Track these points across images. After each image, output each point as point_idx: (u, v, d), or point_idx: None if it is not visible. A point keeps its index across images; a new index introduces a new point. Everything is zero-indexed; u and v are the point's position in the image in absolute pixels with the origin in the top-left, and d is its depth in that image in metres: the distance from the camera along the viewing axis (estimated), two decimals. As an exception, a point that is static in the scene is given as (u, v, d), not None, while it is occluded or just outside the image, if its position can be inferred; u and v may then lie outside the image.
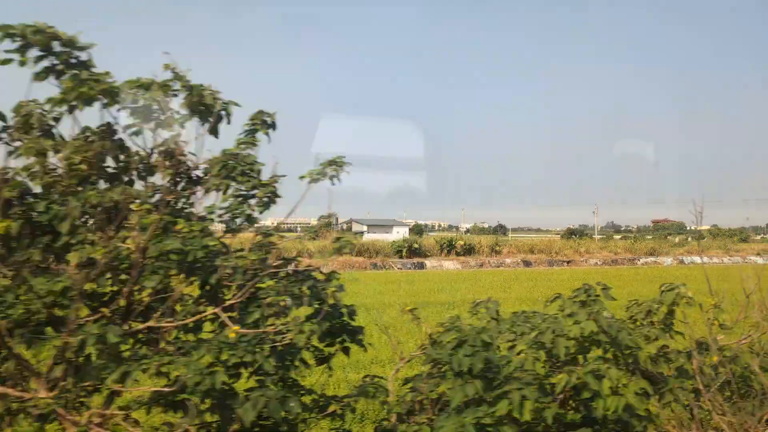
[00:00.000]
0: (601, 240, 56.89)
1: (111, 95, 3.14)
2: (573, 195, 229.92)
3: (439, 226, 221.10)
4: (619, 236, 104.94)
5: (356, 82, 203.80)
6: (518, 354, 3.49)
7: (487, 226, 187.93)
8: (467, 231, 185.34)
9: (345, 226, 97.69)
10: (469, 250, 33.76)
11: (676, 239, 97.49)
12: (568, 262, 36.19)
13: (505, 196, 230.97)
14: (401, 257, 29.02)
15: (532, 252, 36.51)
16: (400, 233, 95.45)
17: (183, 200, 3.48)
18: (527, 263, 33.70)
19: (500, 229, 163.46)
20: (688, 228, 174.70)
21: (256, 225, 3.49)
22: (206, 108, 3.34)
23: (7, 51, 2.94)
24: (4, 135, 3.10)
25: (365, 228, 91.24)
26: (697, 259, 43.94)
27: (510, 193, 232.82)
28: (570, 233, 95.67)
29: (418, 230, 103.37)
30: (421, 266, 28.53)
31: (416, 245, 30.08)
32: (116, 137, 3.35)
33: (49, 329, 2.88)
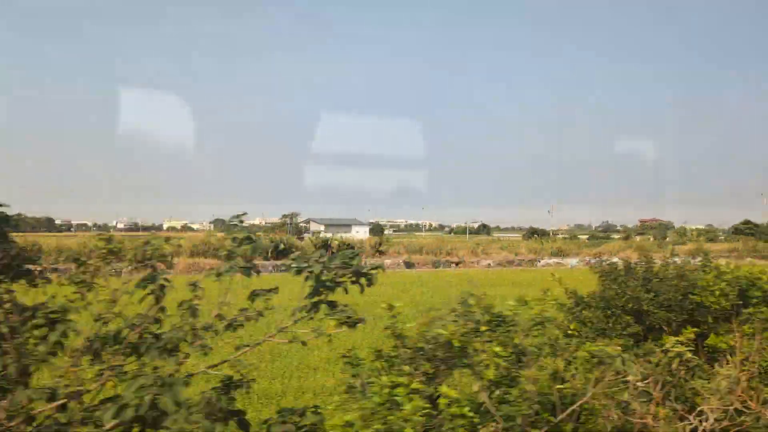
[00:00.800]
0: (525, 240, 57.71)
1: None
2: (572, 195, 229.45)
3: (430, 225, 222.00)
4: (600, 236, 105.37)
5: (351, 80, 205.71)
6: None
7: (475, 225, 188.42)
8: (450, 231, 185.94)
9: (303, 226, 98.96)
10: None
11: (636, 239, 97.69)
12: (457, 263, 37.28)
13: (499, 196, 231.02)
14: (266, 259, 30.07)
15: (420, 252, 37.62)
16: (360, 233, 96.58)
17: None
18: (409, 264, 34.85)
19: (483, 229, 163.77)
20: (676, 227, 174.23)
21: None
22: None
23: None
24: None
25: (322, 227, 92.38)
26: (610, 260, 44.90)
27: (507, 193, 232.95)
28: (532, 232, 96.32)
29: (377, 229, 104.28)
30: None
31: (283, 246, 31.03)
32: None
33: None
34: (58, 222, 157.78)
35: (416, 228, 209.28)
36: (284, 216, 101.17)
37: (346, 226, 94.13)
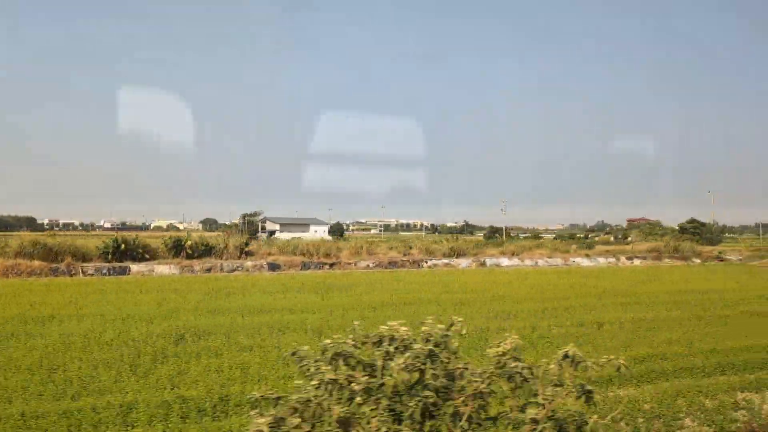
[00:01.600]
0: (485, 240, 56.72)
1: None
2: (570, 193, 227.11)
3: (421, 225, 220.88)
4: (565, 236, 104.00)
5: (349, 79, 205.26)
6: None
7: (458, 225, 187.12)
8: (436, 230, 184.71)
9: (260, 225, 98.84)
10: (207, 251, 34.53)
11: (612, 238, 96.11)
12: (331, 265, 36.85)
13: (495, 195, 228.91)
14: (107, 260, 29.87)
15: (295, 253, 37.23)
16: (318, 232, 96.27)
17: None
18: (274, 266, 34.51)
19: (466, 228, 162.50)
20: (664, 225, 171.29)
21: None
22: None
23: None
24: None
25: (277, 227, 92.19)
26: (504, 261, 44.12)
27: (507, 193, 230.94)
28: (493, 232, 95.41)
29: (337, 230, 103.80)
30: (124, 272, 29.50)
31: (123, 246, 30.61)
32: None
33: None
34: (46, 221, 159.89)
35: (407, 228, 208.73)
36: (246, 215, 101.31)
37: (304, 225, 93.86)
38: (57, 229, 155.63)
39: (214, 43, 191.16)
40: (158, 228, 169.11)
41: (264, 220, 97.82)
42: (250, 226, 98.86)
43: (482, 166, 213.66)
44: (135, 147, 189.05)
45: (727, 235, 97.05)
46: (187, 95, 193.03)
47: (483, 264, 42.30)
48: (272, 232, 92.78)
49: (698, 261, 49.25)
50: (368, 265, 37.88)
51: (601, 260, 46.40)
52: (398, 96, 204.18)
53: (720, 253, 50.89)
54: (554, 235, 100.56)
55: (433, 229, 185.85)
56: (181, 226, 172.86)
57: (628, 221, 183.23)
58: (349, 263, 37.64)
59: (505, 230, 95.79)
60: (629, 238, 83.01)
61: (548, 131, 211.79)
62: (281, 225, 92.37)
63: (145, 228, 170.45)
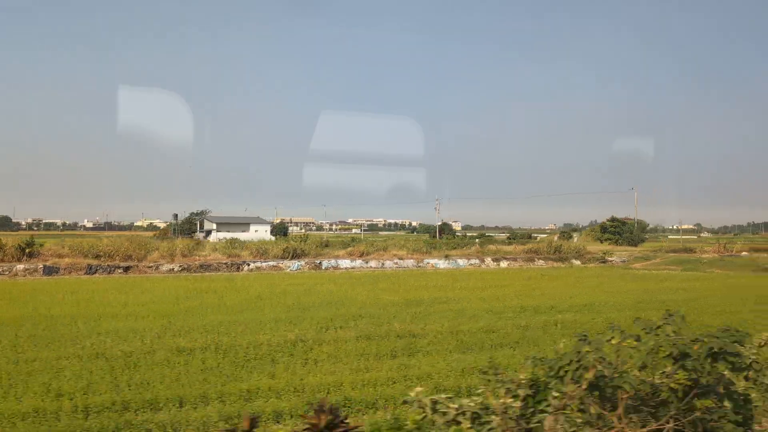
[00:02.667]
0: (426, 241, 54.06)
1: None
2: (566, 193, 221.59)
3: (409, 224, 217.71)
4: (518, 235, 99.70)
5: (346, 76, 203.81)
6: None
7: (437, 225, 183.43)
8: (414, 230, 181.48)
9: (199, 224, 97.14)
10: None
11: (556, 237, 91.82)
12: (126, 269, 34.78)
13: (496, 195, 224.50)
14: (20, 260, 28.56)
15: (88, 255, 35.23)
16: (259, 232, 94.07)
17: None
18: (51, 270, 32.57)
19: (445, 228, 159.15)
20: (648, 226, 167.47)
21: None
22: None
23: None
24: None
25: (214, 226, 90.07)
26: (345, 263, 41.27)
27: (501, 192, 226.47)
28: (425, 230, 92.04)
29: (281, 229, 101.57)
30: None
31: None
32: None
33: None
34: (28, 221, 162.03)
35: (395, 227, 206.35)
36: (193, 214, 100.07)
37: (244, 224, 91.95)
38: (36, 228, 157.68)
39: (214, 43, 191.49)
40: (138, 227, 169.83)
41: (202, 219, 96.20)
42: (189, 226, 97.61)
43: (479, 165, 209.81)
44: (126, 146, 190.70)
45: (662, 234, 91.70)
46: (184, 94, 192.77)
47: (318, 266, 39.72)
48: (209, 232, 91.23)
49: (578, 263, 45.68)
50: (173, 269, 35.71)
51: (462, 262, 43.25)
52: (395, 95, 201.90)
53: (604, 254, 47.08)
54: (508, 235, 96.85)
55: (424, 228, 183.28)
56: (161, 225, 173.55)
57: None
58: (150, 267, 35.53)
59: (438, 229, 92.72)
60: (574, 238, 78.98)
61: (544, 130, 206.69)
62: (218, 224, 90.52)
63: (127, 227, 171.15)
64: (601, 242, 64.68)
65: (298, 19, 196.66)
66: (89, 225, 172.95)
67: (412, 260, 42.22)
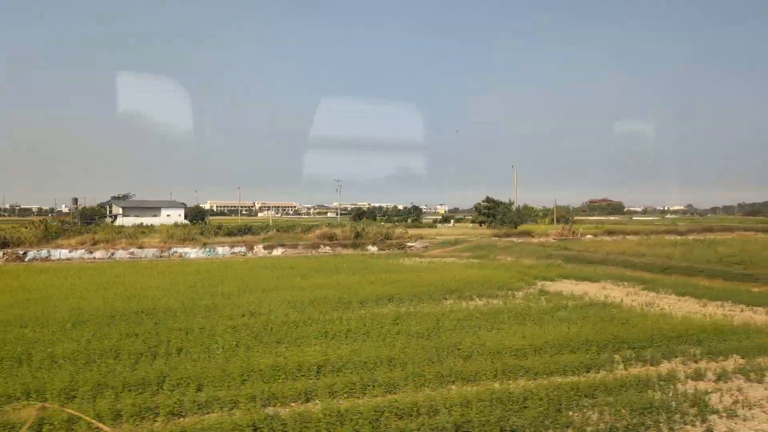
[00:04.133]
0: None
1: None
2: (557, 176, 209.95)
3: (397, 208, 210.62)
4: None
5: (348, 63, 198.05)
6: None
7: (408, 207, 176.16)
8: (385, 214, 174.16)
9: (107, 209, 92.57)
10: None
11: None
12: None
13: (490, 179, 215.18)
14: None
15: None
16: (171, 216, 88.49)
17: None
18: None
19: (414, 212, 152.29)
20: (626, 208, 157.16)
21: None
22: None
23: None
24: None
25: (120, 210, 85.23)
26: (64, 252, 35.52)
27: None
28: (359, 215, 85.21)
29: (198, 213, 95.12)
30: None
31: None
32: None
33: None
34: (6, 206, 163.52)
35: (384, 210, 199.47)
36: (114, 198, 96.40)
37: (155, 209, 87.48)
38: (6, 215, 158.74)
39: (214, 43, 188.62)
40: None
41: (110, 204, 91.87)
42: (90, 211, 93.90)
43: (479, 165, 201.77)
44: (115, 129, 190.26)
45: (541, 216, 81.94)
46: (183, 82, 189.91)
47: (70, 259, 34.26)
48: (115, 217, 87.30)
49: (374, 249, 38.73)
50: None
51: (221, 250, 36.94)
52: (394, 95, 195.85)
53: (410, 239, 39.89)
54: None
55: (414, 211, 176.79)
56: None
57: (590, 202, 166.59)
58: None
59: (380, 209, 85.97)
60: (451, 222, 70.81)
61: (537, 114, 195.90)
62: (124, 209, 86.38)
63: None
64: (480, 225, 56.60)
65: (298, 19, 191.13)
66: (66, 210, 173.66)
67: (155, 249, 36.17)
